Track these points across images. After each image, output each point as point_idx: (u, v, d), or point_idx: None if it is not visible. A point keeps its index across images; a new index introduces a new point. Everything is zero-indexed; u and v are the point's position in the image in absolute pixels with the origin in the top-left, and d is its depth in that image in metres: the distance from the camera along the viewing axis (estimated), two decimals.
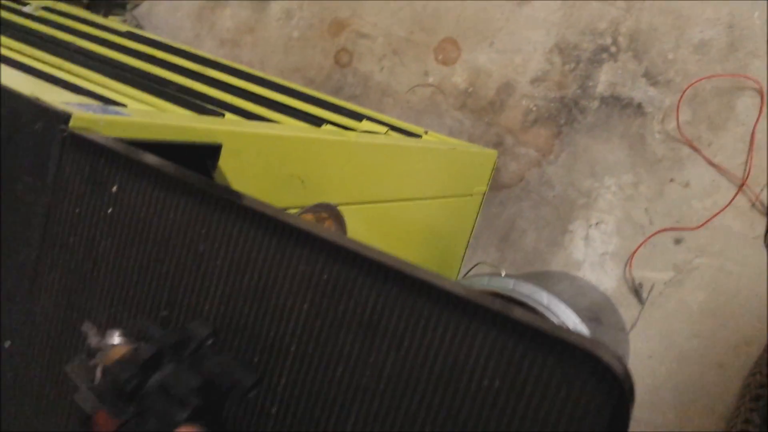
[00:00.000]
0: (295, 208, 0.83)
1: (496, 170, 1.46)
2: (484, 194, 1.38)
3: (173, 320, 0.51)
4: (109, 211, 0.52)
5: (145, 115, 0.63)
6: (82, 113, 0.55)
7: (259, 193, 0.77)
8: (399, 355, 0.44)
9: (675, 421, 1.37)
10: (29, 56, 0.87)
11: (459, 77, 1.55)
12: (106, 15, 1.87)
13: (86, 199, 0.53)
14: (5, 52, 0.85)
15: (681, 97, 1.35)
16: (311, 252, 0.46)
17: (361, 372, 0.45)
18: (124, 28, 1.54)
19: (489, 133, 1.51)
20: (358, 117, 1.03)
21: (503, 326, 0.41)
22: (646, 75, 1.39)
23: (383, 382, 0.45)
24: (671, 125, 1.36)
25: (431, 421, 0.44)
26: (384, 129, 1.08)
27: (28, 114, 0.56)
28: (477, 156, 1.30)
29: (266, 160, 0.77)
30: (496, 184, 1.48)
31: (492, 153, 1.36)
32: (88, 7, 1.86)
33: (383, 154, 0.99)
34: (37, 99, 0.56)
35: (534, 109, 1.47)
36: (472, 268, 1.35)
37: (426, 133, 1.29)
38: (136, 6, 1.92)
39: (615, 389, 0.38)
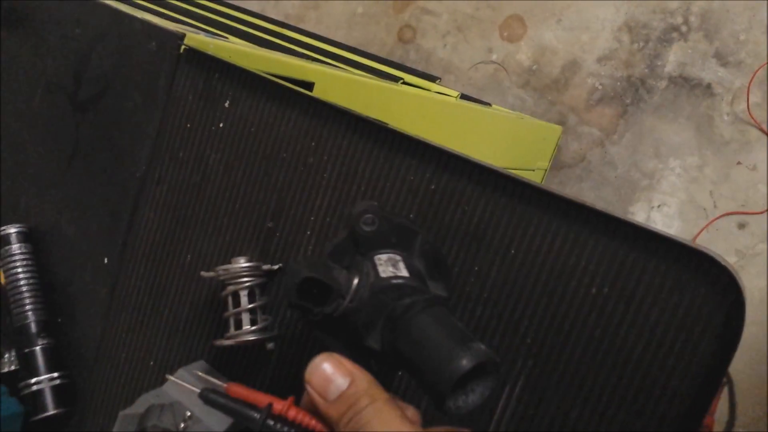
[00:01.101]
0: None
1: (557, 149, 1.46)
2: (546, 171, 1.38)
3: (278, 231, 0.52)
4: (221, 125, 0.54)
5: (248, 46, 0.65)
6: (193, 34, 0.57)
7: None
8: (505, 263, 0.45)
9: (724, 409, 1.35)
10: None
11: (524, 54, 1.55)
12: None
13: (198, 114, 0.55)
14: None
15: (752, 78, 1.33)
16: (420, 162, 0.47)
17: (464, 280, 0.46)
18: None
19: (551, 112, 1.50)
20: (432, 78, 1.05)
21: (614, 232, 0.42)
22: (717, 55, 1.37)
23: (487, 290, 0.46)
24: (740, 107, 1.34)
25: (534, 329, 0.45)
26: (456, 93, 1.09)
27: (141, 34, 0.59)
28: (542, 129, 1.30)
29: (351, 104, 0.78)
30: (556, 164, 1.48)
31: (557, 128, 1.35)
32: None
33: (456, 114, 1.00)
34: (149, 20, 0.59)
35: (599, 87, 1.46)
36: None
37: (491, 105, 1.30)
38: None
39: (731, 291, 0.39)
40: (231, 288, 0.50)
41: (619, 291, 0.42)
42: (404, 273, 0.40)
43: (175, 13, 0.89)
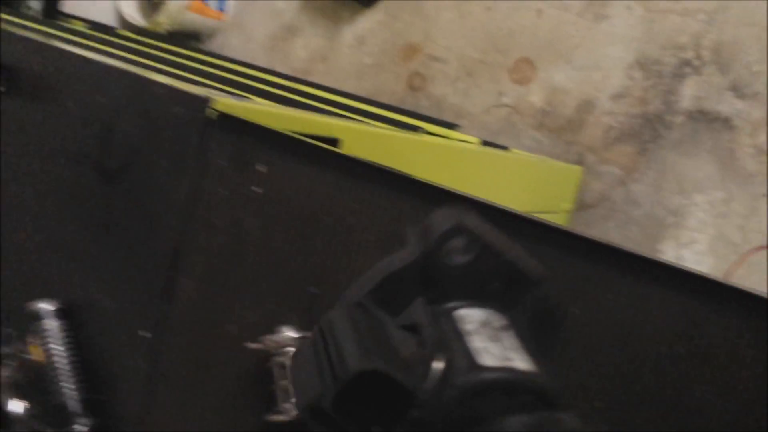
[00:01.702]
0: None
1: (580, 190, 1.44)
2: (569, 213, 1.36)
3: (322, 297, 0.50)
4: (256, 190, 0.52)
5: (274, 106, 0.64)
6: (221, 98, 0.56)
7: None
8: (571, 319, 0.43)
9: None
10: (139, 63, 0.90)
11: (535, 96, 1.54)
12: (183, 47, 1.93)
13: (231, 179, 0.54)
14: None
15: None
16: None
17: None
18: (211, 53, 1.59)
19: (569, 152, 1.49)
20: (450, 126, 1.03)
21: (680, 285, 0.40)
22: (732, 88, 1.36)
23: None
24: (761, 139, 1.32)
25: (603, 391, 0.42)
26: (476, 140, 1.08)
27: (165, 99, 0.57)
28: (562, 170, 1.28)
29: (376, 157, 0.77)
30: (579, 205, 1.46)
31: (576, 168, 1.34)
32: (165, 40, 1.93)
33: (478, 161, 0.99)
34: (174, 86, 0.57)
35: (616, 126, 1.45)
36: None
37: (508, 149, 1.29)
38: (210, 39, 1.98)
39: None
40: (278, 359, 0.47)
41: (692, 347, 0.39)
42: (518, 362, 0.25)
43: (190, 73, 0.88)
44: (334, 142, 0.69)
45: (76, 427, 0.61)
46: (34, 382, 0.65)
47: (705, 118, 1.36)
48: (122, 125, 0.60)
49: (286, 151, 0.51)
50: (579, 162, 1.47)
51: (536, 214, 1.27)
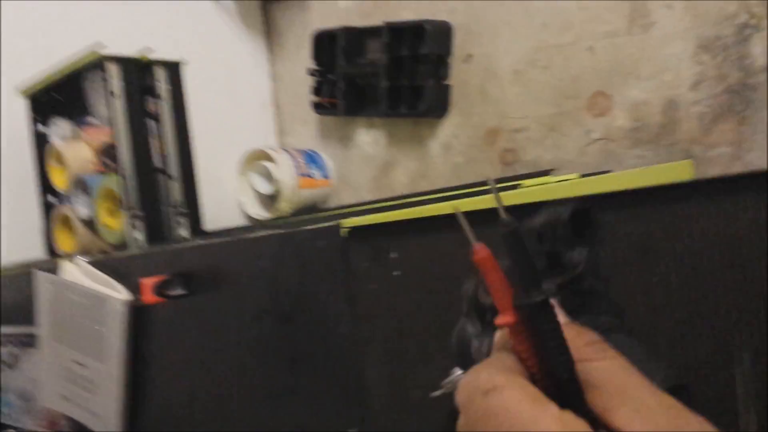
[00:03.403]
0: None
1: None
2: None
3: None
4: (396, 273, 0.64)
5: (391, 214, 0.77)
6: (346, 219, 0.69)
7: None
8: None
9: None
10: None
11: (621, 120, 1.60)
12: None
13: (375, 273, 0.66)
14: None
15: None
16: None
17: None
18: None
19: (674, 153, 1.51)
20: (545, 173, 1.12)
21: None
22: None
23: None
24: None
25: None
26: (576, 174, 1.15)
27: (308, 240, 0.71)
28: (671, 170, 1.31)
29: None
30: None
31: (686, 163, 1.36)
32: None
33: (581, 190, 1.06)
34: (314, 228, 0.72)
35: (707, 110, 1.47)
36: None
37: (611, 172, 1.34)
38: (325, 203, 2.21)
39: None
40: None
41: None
42: None
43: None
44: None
45: None
46: None
47: None
48: (283, 275, 0.74)
49: (406, 233, 0.63)
50: (687, 157, 1.49)
51: None
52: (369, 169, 2.14)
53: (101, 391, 0.97)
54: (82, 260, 1.02)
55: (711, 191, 0.47)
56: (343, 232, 0.68)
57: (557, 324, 0.33)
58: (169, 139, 1.51)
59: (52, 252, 1.64)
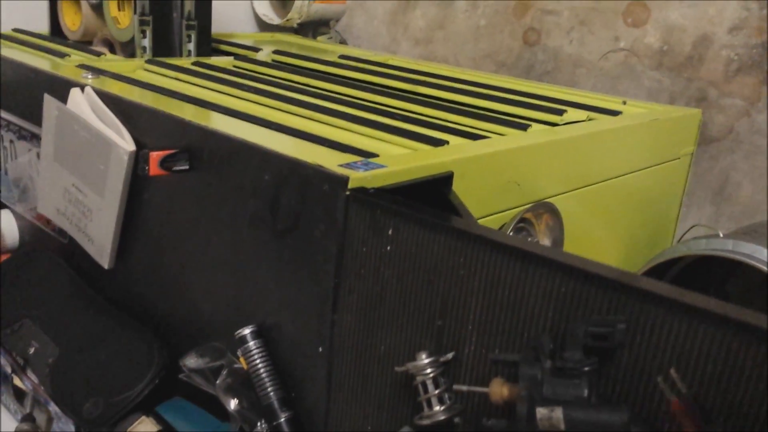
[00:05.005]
0: (514, 208, 0.96)
1: (703, 125, 1.47)
2: (693, 154, 1.40)
3: (446, 328, 0.67)
4: (388, 248, 0.70)
5: (396, 163, 0.80)
6: (355, 174, 0.73)
7: (483, 202, 0.92)
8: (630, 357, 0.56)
9: None
10: (283, 110, 1.08)
11: (652, 37, 1.56)
12: (314, 36, 2.11)
13: (369, 239, 0.71)
14: (261, 111, 1.07)
15: None
16: (549, 271, 0.59)
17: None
18: (337, 50, 1.76)
19: (690, 89, 1.51)
20: (559, 112, 1.13)
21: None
22: None
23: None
24: None
25: None
26: (585, 115, 1.17)
27: (315, 179, 0.75)
28: (680, 120, 1.33)
29: (488, 174, 0.91)
30: (704, 139, 1.49)
31: (696, 112, 1.37)
32: (297, 31, 2.12)
33: (588, 142, 1.09)
34: (320, 166, 0.75)
35: (735, 58, 1.44)
36: (688, 230, 1.38)
37: (624, 103, 1.35)
38: (337, 23, 2.14)
39: None
40: (420, 379, 0.65)
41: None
42: None
43: (326, 114, 1.05)
44: (449, 177, 0.84)
45: (281, 420, 0.83)
46: (243, 383, 0.88)
47: None
48: (285, 197, 0.79)
49: (406, 219, 0.68)
50: (701, 98, 1.49)
51: (657, 167, 1.34)
52: (389, 1, 2.05)
53: (97, 219, 1.04)
54: (90, 89, 1.02)
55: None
56: (351, 185, 0.72)
57: None
58: None
59: (56, 28, 1.60)
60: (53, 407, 1.13)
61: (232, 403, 0.88)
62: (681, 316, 0.53)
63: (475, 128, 1.05)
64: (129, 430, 0.88)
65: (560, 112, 1.12)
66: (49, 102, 1.03)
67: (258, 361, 0.85)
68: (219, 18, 1.69)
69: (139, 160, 0.91)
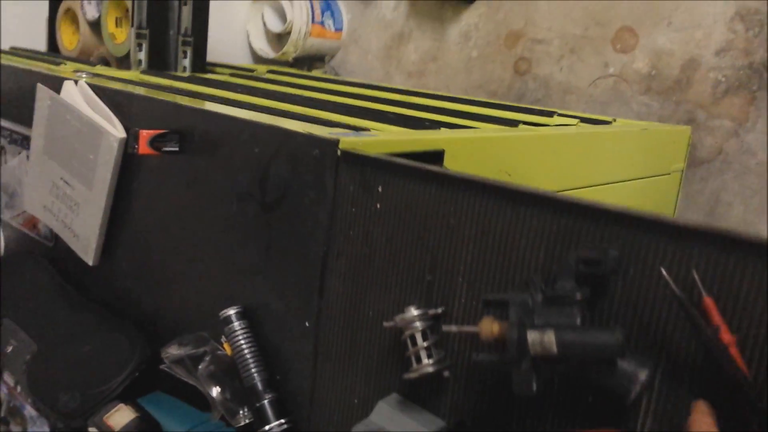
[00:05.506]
0: None
1: (692, 147, 1.48)
2: (683, 171, 1.41)
3: (436, 282, 0.65)
4: (378, 206, 0.68)
5: (387, 134, 0.79)
6: (346, 138, 0.72)
7: None
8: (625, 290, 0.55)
9: None
10: (275, 107, 1.09)
11: (640, 62, 1.59)
12: (309, 69, 2.15)
13: (359, 199, 0.70)
14: (254, 101, 1.08)
15: None
16: (540, 210, 0.58)
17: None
18: (330, 77, 1.78)
19: (679, 112, 1.53)
20: (549, 114, 1.14)
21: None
22: None
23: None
24: None
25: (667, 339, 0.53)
26: (575, 121, 1.18)
27: (306, 145, 0.75)
28: (669, 134, 1.34)
29: (478, 159, 0.91)
30: (694, 161, 1.50)
31: (685, 129, 1.38)
32: (292, 66, 2.15)
33: (578, 142, 1.09)
34: (311, 134, 0.75)
35: (723, 80, 1.47)
36: None
37: (614, 120, 1.36)
38: (332, 58, 2.18)
39: None
40: (408, 332, 0.63)
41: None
42: None
43: (319, 109, 1.05)
44: (440, 154, 0.83)
45: (264, 402, 0.80)
46: (226, 372, 0.85)
47: None
48: (275, 168, 0.78)
49: (395, 173, 0.67)
50: (690, 120, 1.50)
51: (647, 179, 1.34)
52: (383, 35, 2.10)
53: (84, 213, 1.03)
54: (84, 82, 1.03)
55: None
56: (342, 146, 0.71)
57: None
58: None
59: (53, 46, 1.63)
60: (28, 411, 1.09)
61: (215, 391, 0.84)
62: (674, 240, 0.51)
63: (467, 126, 1.05)
64: (106, 416, 0.84)
65: (550, 114, 1.13)
66: (41, 91, 1.04)
67: (242, 341, 0.82)
68: (214, 49, 1.72)
69: (128, 139, 0.91)
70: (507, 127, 1.03)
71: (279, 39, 2.12)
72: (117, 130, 0.96)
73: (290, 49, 2.05)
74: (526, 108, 1.18)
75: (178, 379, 0.88)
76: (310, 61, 2.17)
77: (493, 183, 0.61)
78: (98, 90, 1.03)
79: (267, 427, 0.78)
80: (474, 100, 1.26)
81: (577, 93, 1.69)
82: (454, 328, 0.57)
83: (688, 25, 1.51)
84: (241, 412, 0.84)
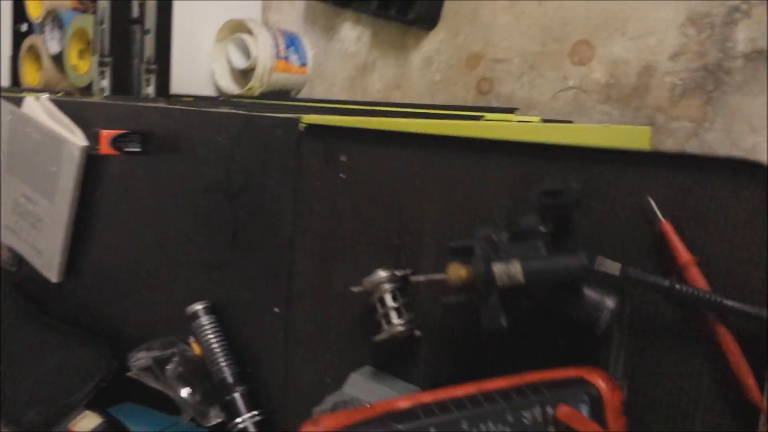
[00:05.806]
0: None
1: (654, 149, 1.51)
2: None
3: (403, 245, 0.64)
4: (342, 176, 0.68)
5: (351, 118, 0.80)
6: (307, 115, 0.72)
7: None
8: (589, 226, 0.54)
9: None
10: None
11: (598, 73, 1.63)
12: None
13: (323, 172, 0.70)
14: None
15: None
16: (504, 156, 0.58)
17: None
18: (298, 99, 1.79)
19: (639, 117, 1.56)
20: (510, 110, 1.16)
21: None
22: None
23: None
24: None
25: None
26: (537, 118, 1.19)
27: (268, 127, 0.74)
28: (631, 133, 1.37)
29: None
30: None
31: (645, 129, 1.41)
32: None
33: (540, 135, 1.11)
34: (273, 114, 0.75)
35: (679, 83, 1.51)
36: None
37: (572, 123, 1.39)
38: (298, 93, 2.21)
39: None
40: (377, 294, 0.62)
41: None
42: None
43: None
44: (408, 136, 0.83)
45: (235, 395, 0.77)
46: (195, 372, 0.82)
47: (762, 57, 1.40)
48: (239, 154, 0.77)
49: (358, 140, 0.67)
50: (650, 123, 1.54)
51: None
52: (347, 67, 2.13)
53: (46, 229, 1.00)
54: (45, 98, 1.02)
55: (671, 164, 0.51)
56: (302, 126, 0.71)
57: None
58: None
59: (16, 82, 1.62)
60: None
61: (184, 392, 0.81)
62: (637, 168, 0.52)
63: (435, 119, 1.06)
64: (71, 424, 0.80)
65: (512, 110, 1.14)
66: (2, 107, 1.03)
67: (210, 335, 0.80)
68: (178, 84, 1.73)
69: (89, 141, 0.90)
70: (472, 121, 1.04)
71: (244, 75, 2.14)
72: (78, 139, 0.95)
73: (256, 84, 2.07)
74: (486, 108, 1.20)
75: (148, 388, 0.85)
76: (275, 97, 2.19)
77: (455, 136, 0.61)
78: (59, 103, 1.02)
79: (239, 419, 0.75)
80: (437, 105, 1.28)
81: (540, 107, 1.72)
82: (422, 278, 0.56)
83: (641, 33, 1.56)
84: (212, 411, 0.81)
